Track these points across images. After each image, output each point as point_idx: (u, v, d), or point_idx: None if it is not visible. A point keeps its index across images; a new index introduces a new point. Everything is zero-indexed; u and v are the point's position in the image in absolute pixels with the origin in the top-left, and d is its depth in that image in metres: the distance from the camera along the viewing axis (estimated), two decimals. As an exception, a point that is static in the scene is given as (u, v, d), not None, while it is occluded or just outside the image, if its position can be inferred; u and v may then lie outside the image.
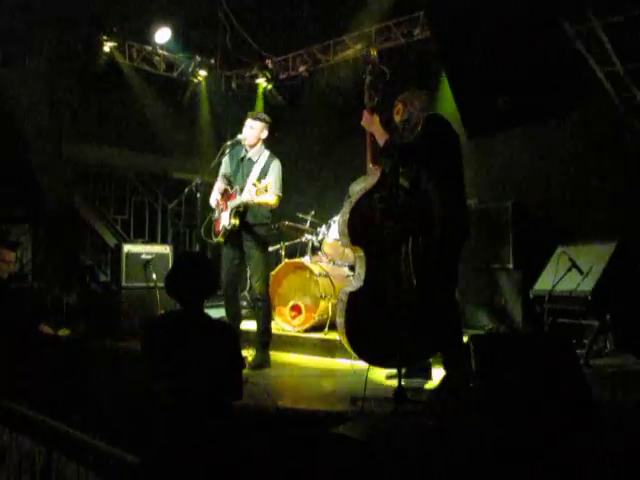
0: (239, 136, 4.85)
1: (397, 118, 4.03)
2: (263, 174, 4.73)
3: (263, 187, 4.44)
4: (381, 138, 3.77)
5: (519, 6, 4.37)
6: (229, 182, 4.91)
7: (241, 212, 4.70)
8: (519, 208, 5.86)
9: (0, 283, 5.86)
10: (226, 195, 4.85)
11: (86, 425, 3.31)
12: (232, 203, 4.71)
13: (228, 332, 3.03)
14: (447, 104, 5.61)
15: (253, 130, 4.80)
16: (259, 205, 4.65)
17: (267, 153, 4.87)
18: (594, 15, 3.75)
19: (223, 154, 4.89)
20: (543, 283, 4.99)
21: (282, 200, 4.83)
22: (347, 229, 3.77)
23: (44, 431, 3.35)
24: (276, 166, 4.80)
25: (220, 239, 4.82)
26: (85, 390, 3.84)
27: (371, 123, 3.84)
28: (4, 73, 6.61)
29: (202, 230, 5.00)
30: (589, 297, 4.59)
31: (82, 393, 3.79)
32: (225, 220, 4.76)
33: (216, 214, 4.91)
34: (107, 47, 7.32)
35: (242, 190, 4.66)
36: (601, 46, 4.15)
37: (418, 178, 3.81)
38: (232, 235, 4.76)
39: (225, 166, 4.95)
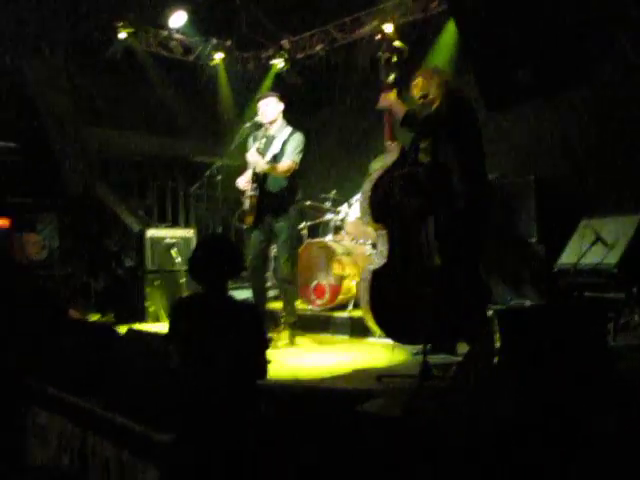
0: (257, 117, 4.87)
1: (415, 92, 4.01)
2: (284, 146, 4.78)
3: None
4: (401, 111, 3.75)
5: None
6: None
7: (259, 181, 4.77)
8: (542, 181, 5.79)
9: (29, 268, 5.98)
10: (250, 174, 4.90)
11: (118, 406, 3.38)
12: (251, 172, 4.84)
13: (252, 313, 3.08)
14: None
15: (268, 107, 4.85)
16: (275, 173, 4.75)
17: (289, 128, 4.91)
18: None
19: (242, 137, 4.92)
20: (568, 256, 4.94)
21: (304, 180, 4.87)
22: (369, 207, 3.77)
23: (78, 412, 3.43)
24: (296, 137, 4.85)
25: (249, 220, 4.84)
26: (115, 373, 3.91)
27: (388, 100, 3.83)
28: (24, 64, 6.66)
29: (235, 217, 5.05)
30: (615, 270, 4.54)
31: (112, 376, 3.87)
32: (250, 192, 4.82)
33: (245, 203, 4.95)
34: (123, 34, 7.33)
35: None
36: (626, 12, 4.05)
37: (437, 153, 3.79)
38: (261, 214, 4.80)
39: (252, 144, 4.98)
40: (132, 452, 3.10)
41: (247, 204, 4.85)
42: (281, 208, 4.82)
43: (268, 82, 8.35)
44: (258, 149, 4.89)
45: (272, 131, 4.87)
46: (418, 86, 3.99)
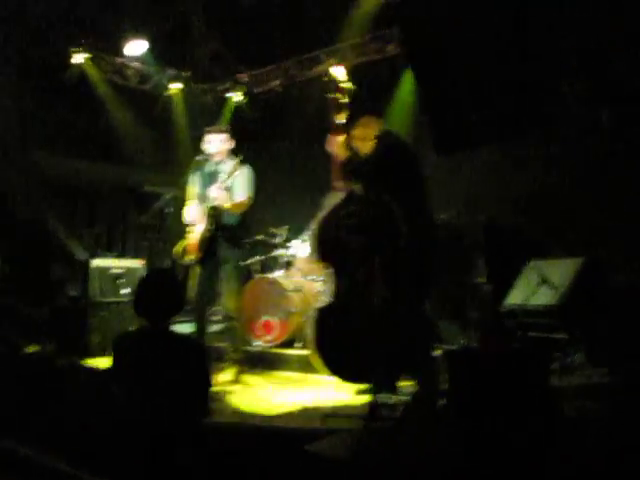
0: (208, 151, 4.83)
1: (354, 143, 4.13)
2: (234, 181, 4.77)
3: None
4: (341, 157, 3.84)
5: (490, 24, 4.44)
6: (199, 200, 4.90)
7: (216, 216, 4.71)
8: (491, 223, 5.91)
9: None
10: (196, 209, 4.83)
11: (53, 447, 3.24)
12: (204, 208, 4.76)
13: (196, 350, 3.02)
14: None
15: (221, 143, 4.83)
16: (231, 208, 4.71)
17: (233, 162, 4.88)
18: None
19: (193, 169, 4.89)
20: (514, 297, 5.03)
21: (256, 215, 4.84)
22: (316, 245, 3.78)
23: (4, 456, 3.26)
24: (246, 172, 4.85)
25: (196, 256, 4.76)
26: (53, 409, 3.75)
27: (333, 144, 3.92)
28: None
29: (176, 252, 4.96)
30: (559, 311, 4.63)
31: (50, 412, 3.71)
32: (200, 227, 4.75)
33: (189, 238, 4.88)
34: (78, 59, 7.24)
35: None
36: (570, 66, 4.22)
37: (380, 193, 3.85)
38: (207, 250, 4.73)
39: (195, 185, 4.93)
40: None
41: (197, 238, 4.78)
42: (231, 243, 4.77)
43: (227, 115, 8.38)
44: (197, 194, 4.87)
45: (219, 165, 4.85)
46: (356, 136, 4.11)
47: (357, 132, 4.11)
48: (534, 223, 5.90)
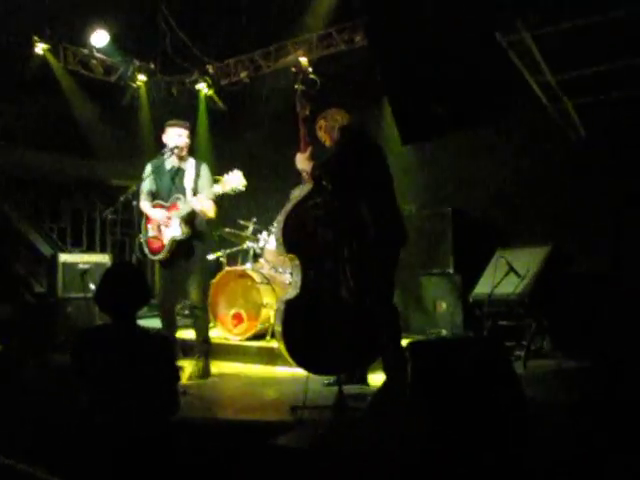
0: (175, 144, 4.74)
1: (320, 134, 4.14)
2: (195, 185, 4.71)
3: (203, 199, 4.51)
4: (309, 167, 3.85)
5: (455, 16, 4.46)
6: (155, 197, 4.82)
7: (190, 220, 4.64)
8: (458, 213, 5.96)
9: None
10: (161, 209, 4.74)
11: (15, 447, 3.18)
12: (178, 213, 4.62)
13: (163, 343, 2.98)
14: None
15: (183, 138, 4.76)
16: (203, 212, 4.62)
17: (192, 160, 4.84)
18: (524, 27, 3.86)
19: (154, 164, 4.82)
20: (482, 287, 5.08)
21: (223, 207, 4.78)
22: (282, 238, 3.77)
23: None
24: (205, 170, 4.79)
25: (165, 255, 4.68)
26: (16, 408, 3.69)
27: (302, 161, 3.93)
28: None
29: (138, 252, 4.88)
30: (526, 299, 4.70)
31: (13, 411, 3.65)
32: (173, 232, 4.64)
33: (150, 233, 4.78)
34: (40, 49, 7.09)
35: (180, 201, 4.62)
36: (532, 56, 4.26)
37: (346, 184, 3.85)
38: (176, 252, 4.67)
39: (150, 182, 4.83)
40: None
41: (164, 240, 4.68)
42: (198, 238, 4.72)
43: (201, 107, 8.29)
44: (150, 191, 4.80)
45: (180, 163, 4.77)
46: (322, 128, 4.11)
47: (323, 122, 4.10)
48: (500, 213, 5.96)
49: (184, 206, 4.59)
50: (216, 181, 4.60)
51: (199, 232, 4.74)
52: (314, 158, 3.92)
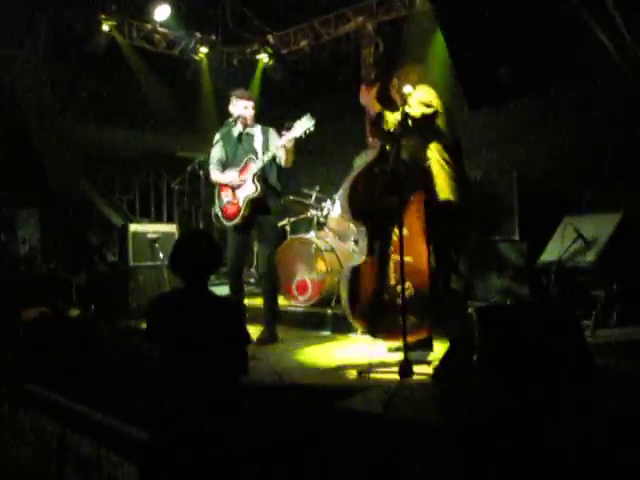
0: (241, 114, 4.82)
1: (393, 92, 4.04)
2: (266, 147, 4.76)
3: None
4: (373, 111, 3.76)
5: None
6: (225, 167, 4.89)
7: (264, 177, 4.72)
8: (524, 179, 5.81)
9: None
10: (234, 172, 4.82)
11: (98, 403, 3.36)
12: (251, 171, 4.70)
13: (233, 308, 3.06)
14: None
15: (249, 110, 4.83)
16: (287, 151, 4.64)
17: (259, 126, 4.89)
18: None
19: (222, 132, 4.90)
20: (549, 254, 4.97)
21: (287, 175, 4.83)
22: (347, 204, 3.78)
23: (57, 409, 3.40)
24: (274, 133, 4.85)
25: (241, 218, 4.74)
26: (95, 369, 3.88)
27: (366, 96, 3.83)
28: (3, 56, 6.57)
29: (215, 219, 4.97)
30: (595, 267, 4.58)
31: (93, 372, 3.84)
32: (247, 190, 4.70)
33: (224, 200, 4.86)
34: (106, 26, 7.25)
35: (252, 161, 4.70)
36: (608, 15, 4.06)
37: (417, 151, 3.81)
38: (251, 213, 4.74)
39: (220, 150, 4.92)
40: (111, 449, 3.08)
41: (238, 202, 4.78)
42: (273, 205, 4.80)
43: (258, 76, 8.33)
44: (220, 160, 4.88)
45: (247, 129, 4.85)
46: (395, 87, 4.02)
47: (396, 82, 4.00)
48: (568, 178, 5.79)
49: (256, 163, 4.67)
50: (287, 128, 4.62)
51: (273, 188, 4.80)
52: (380, 99, 3.85)
